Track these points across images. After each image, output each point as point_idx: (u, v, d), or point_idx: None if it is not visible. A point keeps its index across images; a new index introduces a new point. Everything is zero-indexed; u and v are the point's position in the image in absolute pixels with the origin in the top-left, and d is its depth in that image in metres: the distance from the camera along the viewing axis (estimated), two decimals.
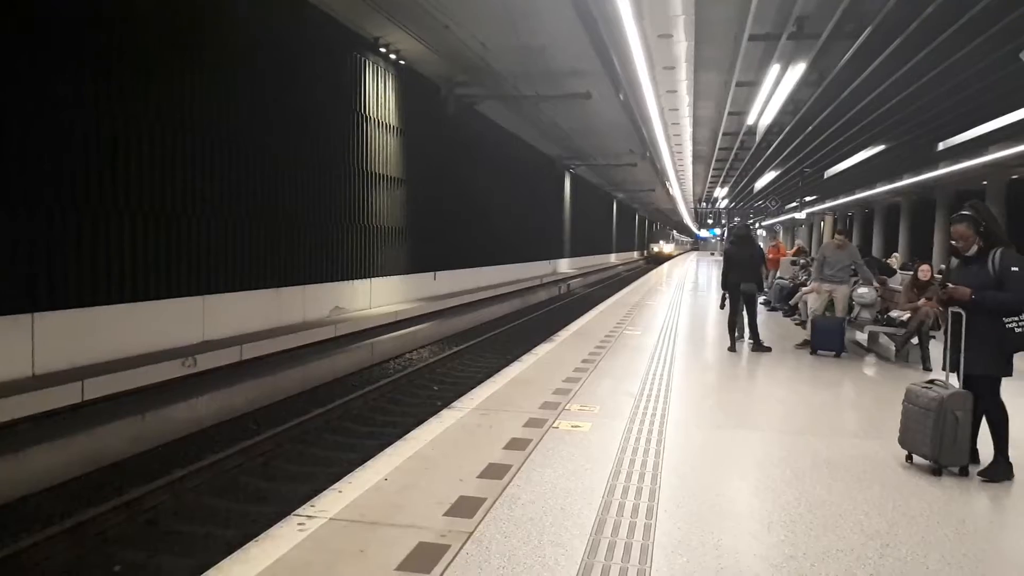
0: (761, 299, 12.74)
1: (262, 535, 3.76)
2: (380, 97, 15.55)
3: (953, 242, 5.07)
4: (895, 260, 17.44)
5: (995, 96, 14.53)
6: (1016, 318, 4.67)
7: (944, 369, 5.08)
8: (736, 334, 10.24)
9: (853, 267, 10.21)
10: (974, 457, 4.98)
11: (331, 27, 13.37)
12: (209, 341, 10.14)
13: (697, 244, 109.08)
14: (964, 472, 4.88)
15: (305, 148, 12.67)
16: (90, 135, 8.43)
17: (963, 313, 4.86)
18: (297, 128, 12.40)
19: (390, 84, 15.97)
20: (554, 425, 5.88)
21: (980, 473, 4.85)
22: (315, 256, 13.15)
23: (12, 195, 7.55)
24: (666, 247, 72.65)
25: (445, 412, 6.32)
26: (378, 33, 14.44)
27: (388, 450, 5.19)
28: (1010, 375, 4.83)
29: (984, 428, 5.00)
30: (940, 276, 9.99)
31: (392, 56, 15.57)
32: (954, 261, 5.16)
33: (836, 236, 10.93)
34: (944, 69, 12.47)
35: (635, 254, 77.30)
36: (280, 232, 12.05)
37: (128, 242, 9.02)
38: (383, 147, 15.81)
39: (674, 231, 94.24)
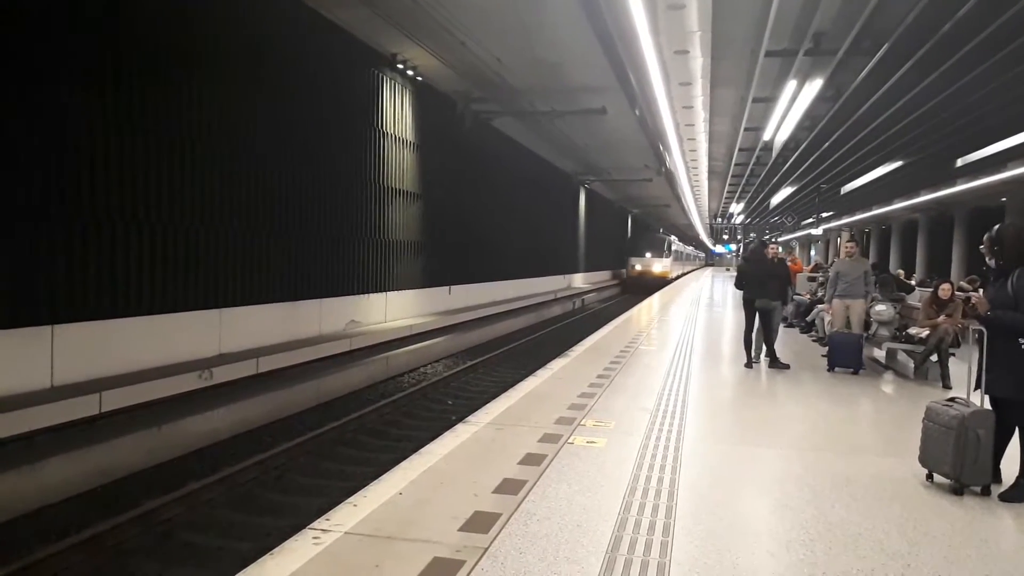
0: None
1: (277, 548, 3.76)
2: (397, 112, 15.65)
3: (981, 248, 5.05)
4: (899, 275, 17.34)
5: (1014, 112, 14.45)
6: None
7: (974, 389, 5.01)
8: (753, 351, 10.18)
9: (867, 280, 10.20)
10: (996, 476, 4.91)
11: (349, 43, 13.48)
12: (225, 354, 10.18)
13: (712, 260, 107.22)
14: (986, 491, 4.81)
15: (323, 162, 12.75)
16: (109, 147, 8.52)
17: (983, 330, 4.83)
18: (315, 142, 12.49)
19: (407, 100, 16.08)
20: (569, 440, 5.85)
21: (1001, 496, 4.77)
22: (332, 270, 13.21)
23: (32, 208, 7.64)
24: (658, 264, 44.17)
25: (460, 426, 6.31)
26: (395, 49, 14.55)
27: (403, 464, 5.18)
28: None
29: (1010, 447, 4.93)
30: (960, 293, 9.96)
31: (409, 72, 15.68)
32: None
33: (848, 246, 10.90)
34: (962, 86, 12.44)
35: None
36: (297, 245, 12.12)
37: (147, 255, 9.09)
38: (400, 162, 15.89)
39: (673, 237, 55.42)
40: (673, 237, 55.23)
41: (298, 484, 7.59)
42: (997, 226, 4.97)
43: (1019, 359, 4.63)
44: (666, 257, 45.00)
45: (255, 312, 11.02)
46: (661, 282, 40.46)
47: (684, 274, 58.66)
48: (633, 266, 44.20)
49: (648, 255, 44.26)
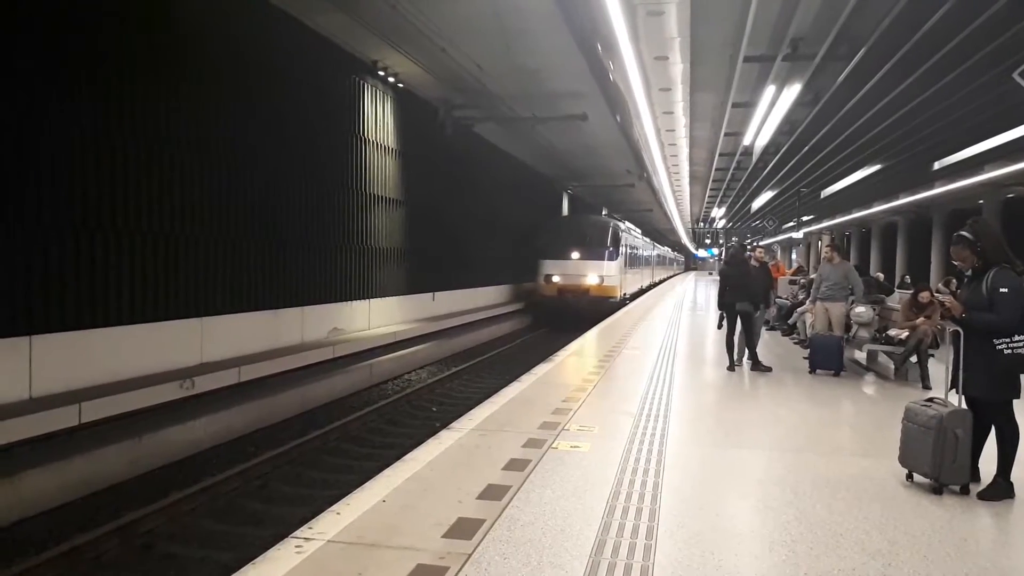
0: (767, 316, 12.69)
1: (259, 558, 3.74)
2: (378, 119, 15.63)
3: (955, 262, 5.11)
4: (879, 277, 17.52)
5: (990, 115, 14.64)
6: (1007, 339, 4.65)
7: (950, 389, 5.06)
8: (735, 353, 10.23)
9: (850, 285, 10.29)
10: (975, 475, 4.97)
11: (330, 50, 13.46)
12: (207, 363, 10.10)
13: (695, 264, 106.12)
14: (965, 490, 4.86)
15: (305, 169, 12.70)
16: (87, 156, 8.45)
17: (960, 331, 4.88)
18: (297, 149, 12.44)
19: (388, 106, 16.06)
20: (553, 445, 5.85)
21: (979, 495, 4.82)
22: (314, 277, 13.14)
23: (10, 216, 7.55)
24: (594, 271, 24.71)
25: (444, 433, 6.30)
26: (376, 56, 14.54)
27: (387, 471, 5.17)
28: (1017, 397, 4.79)
29: (987, 447, 4.99)
30: (938, 294, 10.07)
31: (390, 79, 15.67)
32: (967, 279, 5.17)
33: (825, 250, 11.04)
34: (938, 89, 12.59)
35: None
36: (279, 253, 12.05)
37: (126, 264, 9.00)
38: (382, 168, 15.87)
39: (627, 225, 33.98)
40: (627, 225, 33.33)
41: (281, 493, 7.55)
42: (967, 228, 4.97)
43: (993, 359, 4.69)
44: (610, 259, 24.96)
45: (236, 320, 10.94)
46: (600, 306, 22.86)
47: (653, 286, 40.31)
48: (548, 276, 24.61)
49: (576, 255, 24.66)
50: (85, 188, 8.43)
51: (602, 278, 24.33)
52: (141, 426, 8.07)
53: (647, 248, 40.87)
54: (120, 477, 7.46)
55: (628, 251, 28.63)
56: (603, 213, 32.27)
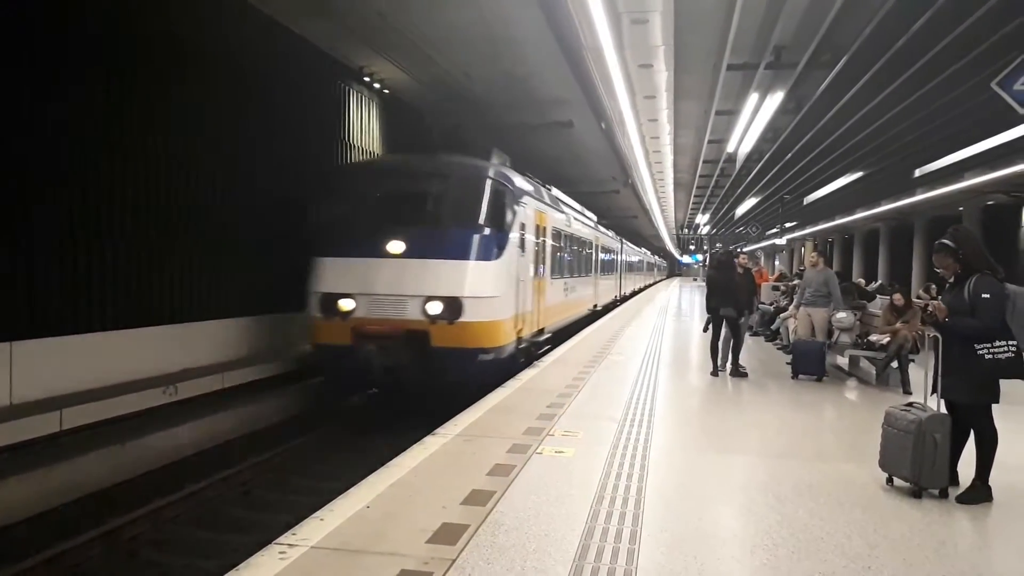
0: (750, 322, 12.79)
1: (243, 564, 3.73)
2: (364, 125, 15.62)
3: (937, 269, 5.17)
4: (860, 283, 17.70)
5: (970, 123, 14.84)
6: (988, 344, 4.71)
7: (931, 393, 5.12)
8: (719, 359, 10.29)
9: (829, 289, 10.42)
10: (954, 479, 5.03)
11: (316, 56, 13.45)
12: (190, 369, 10.05)
13: (679, 270, 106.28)
14: (944, 494, 4.92)
15: (290, 174, 12.66)
16: (70, 158, 8.40)
17: (939, 336, 4.95)
18: (282, 155, 12.40)
19: (374, 112, 16.06)
20: (538, 451, 5.87)
21: (958, 498, 4.88)
22: (298, 283, 13.06)
23: None
24: (446, 287, 9.51)
25: (428, 438, 6.29)
26: (362, 63, 14.55)
27: (370, 478, 5.16)
28: (996, 401, 4.85)
29: (966, 450, 5.05)
30: (918, 300, 10.19)
31: (376, 85, 15.68)
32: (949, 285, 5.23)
33: (811, 255, 11.19)
34: (919, 98, 12.76)
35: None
36: (262, 259, 12.00)
37: (109, 269, 8.96)
38: None
39: (546, 190, 15.53)
40: (553, 193, 17.47)
41: (265, 500, 7.52)
42: (948, 236, 5.04)
43: (975, 364, 4.75)
44: (485, 257, 10.03)
45: (220, 327, 10.90)
46: (454, 369, 9.56)
47: (616, 304, 28.07)
48: (330, 300, 9.96)
49: (396, 248, 9.82)
50: (68, 194, 8.39)
51: (459, 305, 9.78)
52: (124, 432, 8.01)
53: (604, 241, 24.82)
54: (103, 484, 7.39)
55: (547, 243, 14.39)
56: (494, 160, 13.52)
